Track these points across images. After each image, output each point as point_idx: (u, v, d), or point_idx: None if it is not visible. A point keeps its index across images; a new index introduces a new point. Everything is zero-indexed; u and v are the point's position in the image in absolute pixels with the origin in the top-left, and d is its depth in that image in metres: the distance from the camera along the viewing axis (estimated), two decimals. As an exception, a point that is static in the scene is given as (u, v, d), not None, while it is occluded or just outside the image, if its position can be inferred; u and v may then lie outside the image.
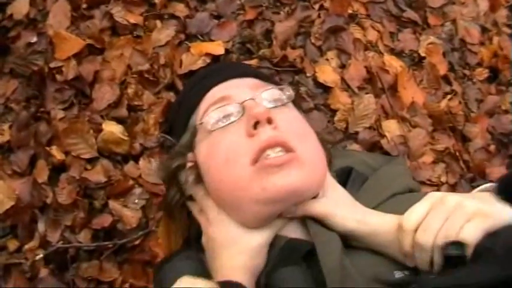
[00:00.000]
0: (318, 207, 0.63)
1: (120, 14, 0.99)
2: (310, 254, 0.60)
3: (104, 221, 0.89)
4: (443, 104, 1.08)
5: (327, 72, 1.01)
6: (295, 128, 0.65)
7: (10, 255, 0.91)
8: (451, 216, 0.53)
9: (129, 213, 0.89)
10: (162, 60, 0.96)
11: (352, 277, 0.57)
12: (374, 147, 1.00)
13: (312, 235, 0.62)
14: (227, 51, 0.99)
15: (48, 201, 0.91)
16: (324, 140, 0.72)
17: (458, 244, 0.51)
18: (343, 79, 1.02)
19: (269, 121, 0.62)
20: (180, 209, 0.73)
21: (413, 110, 1.04)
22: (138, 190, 0.91)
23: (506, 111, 1.17)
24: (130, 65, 0.97)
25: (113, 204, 0.89)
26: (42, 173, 0.92)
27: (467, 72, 1.16)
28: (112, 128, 0.92)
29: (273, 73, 0.99)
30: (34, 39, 1.00)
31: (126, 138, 0.92)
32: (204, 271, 0.64)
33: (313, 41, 1.03)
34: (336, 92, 1.00)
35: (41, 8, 1.01)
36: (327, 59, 1.03)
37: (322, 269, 0.57)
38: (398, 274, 0.59)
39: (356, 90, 1.02)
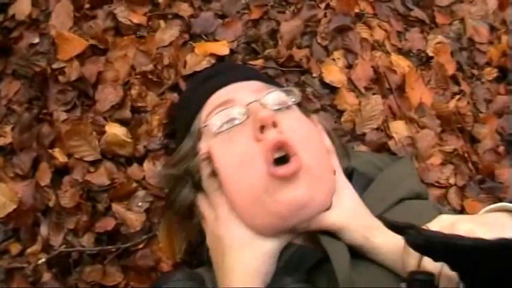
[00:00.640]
0: (331, 221, 0.63)
1: (123, 14, 0.98)
2: (317, 263, 0.60)
3: (107, 224, 0.88)
4: (452, 104, 1.07)
5: (334, 73, 1.00)
6: (298, 132, 0.66)
7: (12, 259, 0.90)
8: None
9: (133, 216, 0.88)
10: (166, 61, 0.95)
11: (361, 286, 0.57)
12: (381, 148, 0.98)
13: (325, 245, 0.61)
14: (232, 51, 0.98)
15: (51, 204, 0.90)
16: (334, 137, 0.74)
17: None
18: (350, 79, 1.01)
19: (274, 125, 0.63)
20: (186, 211, 0.72)
21: (421, 111, 1.03)
22: (141, 193, 0.89)
23: (515, 112, 1.15)
24: (134, 66, 0.96)
25: (116, 207, 0.88)
26: (44, 176, 0.91)
27: (475, 71, 1.15)
28: (115, 130, 0.90)
29: (279, 73, 0.98)
30: (36, 39, 0.99)
31: (129, 140, 0.90)
32: None
33: (319, 40, 1.02)
34: (343, 93, 0.99)
35: (43, 8, 1.00)
36: (334, 59, 1.02)
37: (338, 278, 0.56)
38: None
39: (363, 90, 1.00)
